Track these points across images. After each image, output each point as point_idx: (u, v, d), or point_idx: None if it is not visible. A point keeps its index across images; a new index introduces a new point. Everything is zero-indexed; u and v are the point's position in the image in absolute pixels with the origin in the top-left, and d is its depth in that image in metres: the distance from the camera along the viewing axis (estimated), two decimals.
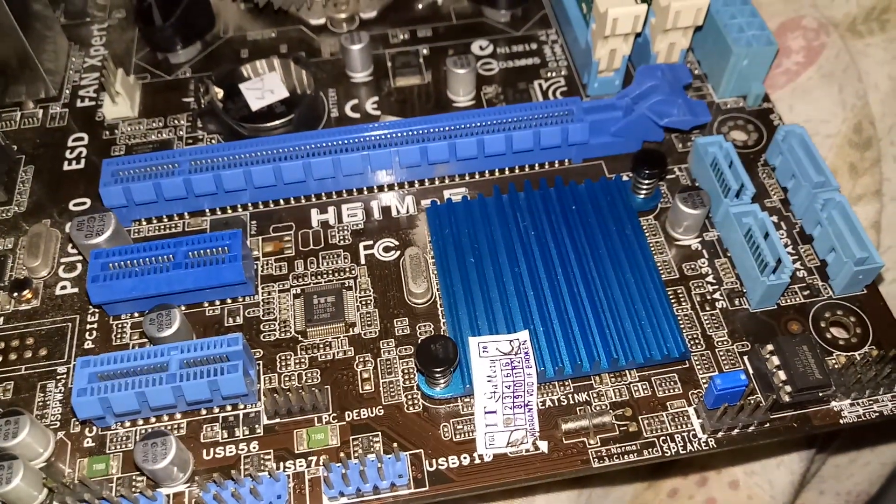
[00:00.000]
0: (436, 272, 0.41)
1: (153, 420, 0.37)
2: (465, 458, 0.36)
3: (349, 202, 0.45)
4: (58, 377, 0.38)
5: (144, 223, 0.44)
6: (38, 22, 0.50)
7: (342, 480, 0.34)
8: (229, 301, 0.41)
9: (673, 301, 0.40)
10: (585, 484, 0.44)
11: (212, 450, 0.36)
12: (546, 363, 0.37)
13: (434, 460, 0.36)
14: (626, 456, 0.36)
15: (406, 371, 0.38)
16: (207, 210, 0.44)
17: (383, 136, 0.43)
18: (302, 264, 0.42)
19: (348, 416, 0.37)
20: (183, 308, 0.40)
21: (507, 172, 0.46)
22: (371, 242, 0.43)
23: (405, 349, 0.39)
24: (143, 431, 0.37)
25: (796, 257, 0.42)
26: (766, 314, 0.40)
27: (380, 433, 0.36)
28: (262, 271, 0.42)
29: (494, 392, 0.36)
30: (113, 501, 0.33)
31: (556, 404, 0.37)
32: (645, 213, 0.44)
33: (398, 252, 0.43)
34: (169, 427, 0.37)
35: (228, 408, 0.37)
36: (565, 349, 0.37)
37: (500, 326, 0.38)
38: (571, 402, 0.37)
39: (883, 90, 0.53)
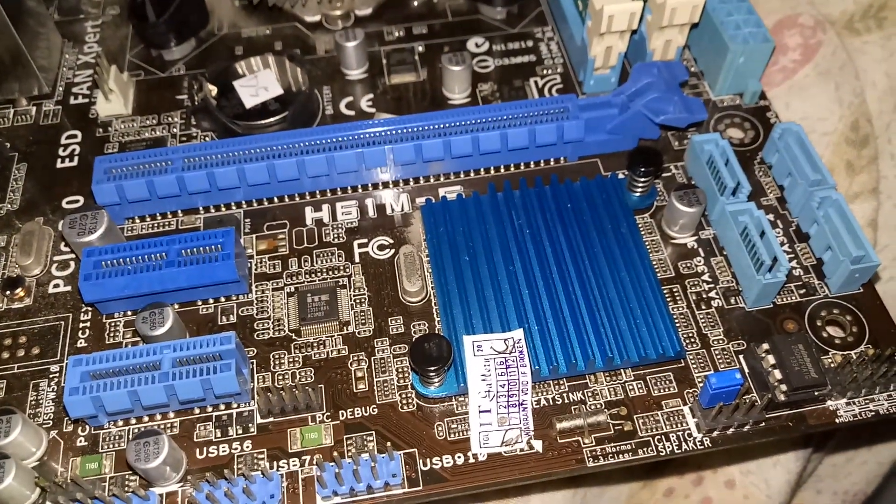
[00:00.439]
0: (430, 270, 0.41)
1: (146, 419, 0.37)
2: (459, 457, 0.36)
3: (343, 200, 0.44)
4: (50, 376, 0.38)
5: (138, 221, 0.44)
6: (32, 18, 0.50)
7: (336, 480, 0.34)
8: (223, 299, 0.40)
9: (668, 299, 0.40)
10: (581, 483, 0.44)
11: (205, 449, 0.36)
12: (541, 362, 0.37)
13: (428, 459, 0.35)
14: (620, 455, 0.36)
15: (400, 370, 0.38)
16: (201, 208, 0.44)
17: (378, 134, 0.43)
18: (296, 262, 0.42)
19: (342, 415, 0.37)
20: (176, 306, 0.40)
21: (502, 170, 0.45)
22: (365, 240, 0.43)
23: (399, 348, 0.39)
24: (135, 430, 0.36)
25: (792, 256, 0.42)
26: (762, 313, 0.40)
27: (374, 432, 0.36)
28: (255, 269, 0.42)
29: (489, 391, 0.36)
30: (105, 501, 0.33)
31: (551, 403, 0.37)
32: (641, 211, 0.44)
33: (393, 250, 0.42)
34: (162, 426, 0.37)
35: (222, 407, 0.37)
36: (560, 348, 0.37)
37: (494, 325, 0.38)
38: (566, 401, 0.37)
39: (880, 88, 0.53)
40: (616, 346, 0.37)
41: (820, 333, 0.39)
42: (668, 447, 0.36)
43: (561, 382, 0.38)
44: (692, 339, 0.39)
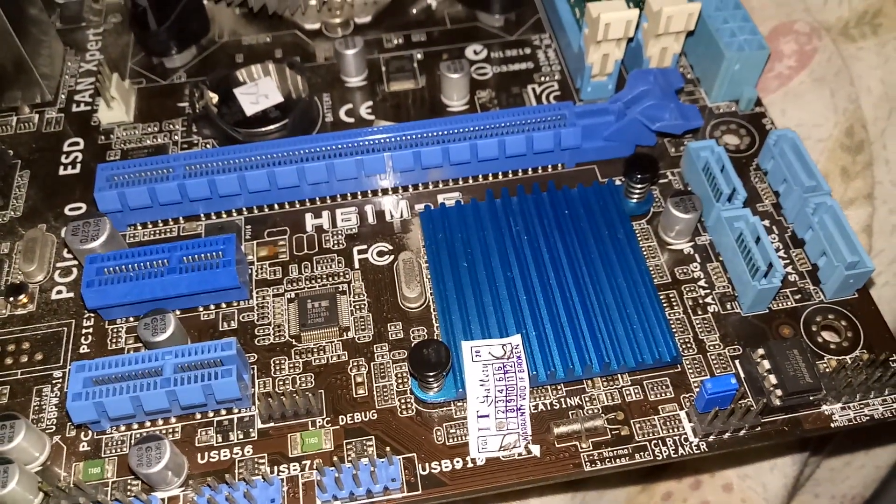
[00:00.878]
0: (429, 276, 0.41)
1: (148, 424, 0.37)
2: (457, 461, 0.36)
3: (343, 207, 0.45)
4: (53, 381, 0.39)
5: (139, 228, 0.44)
6: (34, 27, 0.50)
7: (335, 484, 0.34)
8: (224, 305, 0.41)
9: (665, 305, 0.41)
10: (579, 487, 0.44)
11: (206, 454, 0.36)
12: (538, 367, 0.37)
13: (427, 464, 0.36)
14: (617, 459, 0.36)
15: (399, 375, 0.38)
16: (202, 215, 0.44)
17: (377, 141, 0.44)
18: (296, 269, 0.42)
19: (342, 420, 0.37)
20: (177, 312, 0.40)
21: (500, 177, 0.46)
22: (365, 247, 0.43)
23: (398, 353, 0.39)
24: (137, 435, 0.37)
25: (788, 261, 0.42)
26: (758, 318, 0.40)
27: (373, 437, 0.37)
28: (256, 276, 0.42)
29: (487, 396, 0.36)
30: None
31: (549, 408, 0.37)
32: (637, 217, 0.44)
33: (392, 256, 0.43)
34: (164, 431, 0.37)
35: (223, 412, 0.37)
36: (557, 353, 0.38)
37: (492, 331, 0.38)
38: (563, 405, 0.37)
39: (875, 94, 0.53)
40: (613, 351, 0.38)
41: (815, 338, 0.39)
42: (665, 451, 0.36)
43: (558, 387, 0.38)
44: (688, 345, 0.39)
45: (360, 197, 0.45)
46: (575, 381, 0.38)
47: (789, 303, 0.41)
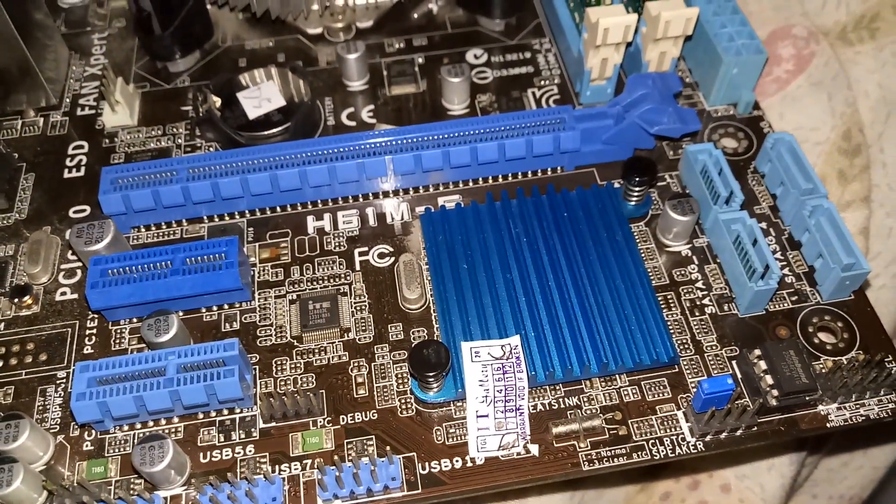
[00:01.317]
0: (429, 278, 0.42)
1: (151, 424, 0.37)
2: (457, 461, 0.36)
3: (345, 209, 0.45)
4: (57, 382, 0.39)
5: (143, 230, 0.45)
6: (39, 31, 0.50)
7: (336, 483, 0.35)
8: (226, 307, 0.41)
9: (663, 306, 0.41)
10: (578, 486, 0.44)
11: (208, 453, 0.37)
12: (537, 368, 0.38)
13: (427, 463, 0.36)
14: (615, 459, 0.36)
15: (400, 375, 0.39)
16: (205, 217, 0.45)
17: (378, 144, 0.44)
18: (298, 270, 0.43)
19: (343, 420, 0.37)
20: (180, 314, 0.41)
21: (500, 180, 0.46)
22: (366, 249, 0.44)
23: (399, 354, 0.39)
24: (140, 435, 0.37)
25: (784, 263, 0.42)
26: (755, 319, 0.41)
27: (373, 437, 0.37)
28: (258, 277, 0.42)
29: (486, 396, 0.37)
30: None
31: (547, 408, 0.38)
32: (636, 219, 0.44)
33: (392, 258, 0.43)
34: (166, 431, 0.37)
35: (225, 412, 0.38)
36: (556, 354, 0.38)
37: (492, 332, 0.39)
38: (562, 405, 0.38)
39: (873, 97, 0.54)
40: (611, 351, 0.38)
41: (811, 339, 0.40)
42: (662, 451, 0.36)
43: (557, 388, 0.38)
44: (686, 345, 0.40)
45: (361, 199, 0.46)
46: (573, 381, 0.38)
47: (786, 304, 0.41)
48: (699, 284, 0.42)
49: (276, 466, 0.36)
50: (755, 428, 0.37)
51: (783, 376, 0.37)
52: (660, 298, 0.41)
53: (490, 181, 0.46)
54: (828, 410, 0.38)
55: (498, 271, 0.41)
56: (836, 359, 0.39)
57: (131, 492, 0.36)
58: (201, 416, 0.38)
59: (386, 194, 0.46)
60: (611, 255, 0.41)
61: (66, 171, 0.48)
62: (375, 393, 0.38)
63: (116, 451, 0.37)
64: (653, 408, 0.38)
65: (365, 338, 0.40)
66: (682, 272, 0.42)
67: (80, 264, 0.43)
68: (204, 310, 0.41)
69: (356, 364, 0.39)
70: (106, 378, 0.36)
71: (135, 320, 0.41)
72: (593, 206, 0.43)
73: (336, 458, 0.35)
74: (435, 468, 0.36)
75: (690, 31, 0.47)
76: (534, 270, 0.41)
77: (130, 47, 0.55)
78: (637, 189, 0.43)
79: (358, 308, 0.41)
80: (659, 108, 0.45)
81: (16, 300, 0.41)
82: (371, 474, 0.35)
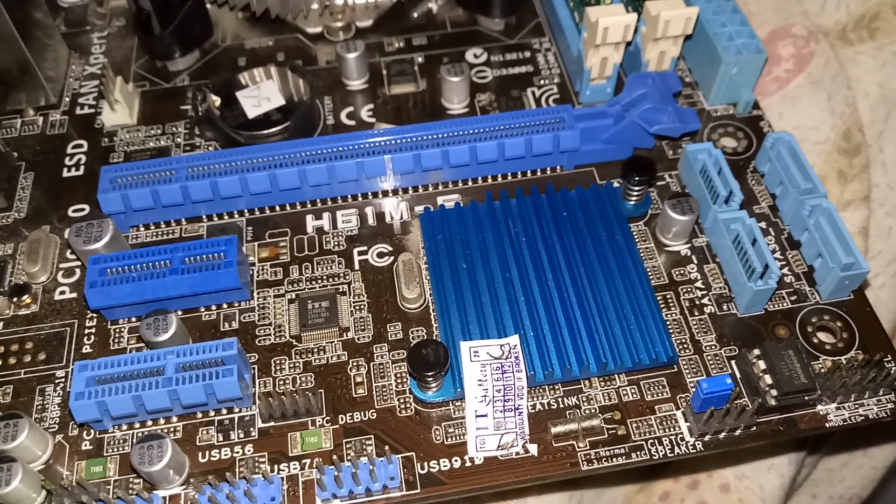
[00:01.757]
0: (428, 277, 0.42)
1: (150, 423, 0.37)
2: (456, 460, 0.36)
3: (344, 208, 0.45)
4: (56, 381, 0.39)
5: (142, 229, 0.45)
6: (39, 30, 0.50)
7: (335, 483, 0.35)
8: (225, 306, 0.41)
9: (662, 306, 0.41)
10: (577, 486, 0.44)
11: (207, 452, 0.37)
12: (536, 367, 0.38)
13: (425, 463, 0.36)
14: (614, 459, 0.36)
15: (398, 375, 0.39)
16: (204, 216, 0.45)
17: (378, 144, 0.44)
18: (297, 270, 0.43)
19: (341, 420, 0.37)
20: (179, 313, 0.41)
21: (499, 179, 0.46)
22: (365, 248, 0.44)
23: (398, 353, 0.39)
24: (139, 434, 0.37)
25: (784, 263, 0.42)
26: (754, 319, 0.41)
27: (372, 436, 0.37)
28: (257, 277, 0.42)
29: (485, 396, 0.37)
30: (110, 503, 0.34)
31: (546, 408, 0.38)
32: (635, 219, 0.44)
33: (392, 258, 0.43)
34: (165, 430, 0.37)
35: (224, 411, 0.38)
36: (555, 353, 0.38)
37: (491, 331, 0.39)
38: (561, 405, 0.38)
39: (872, 97, 0.54)
40: (610, 351, 0.38)
41: (811, 339, 0.40)
42: (661, 451, 0.36)
43: (556, 387, 0.38)
44: (685, 345, 0.40)
45: (360, 199, 0.46)
46: (572, 381, 0.38)
47: (785, 304, 0.41)
48: (698, 284, 0.42)
49: (275, 466, 0.36)
50: (754, 428, 0.37)
51: (782, 376, 0.37)
52: (659, 298, 0.41)
53: (489, 180, 0.46)
54: (827, 410, 0.38)
55: (497, 271, 0.41)
56: (835, 359, 0.39)
57: (130, 491, 0.36)
58: (200, 415, 0.38)
59: (385, 193, 0.46)
60: (610, 254, 0.41)
61: (66, 170, 0.48)
62: (374, 392, 0.38)
63: (115, 450, 0.37)
64: (652, 407, 0.38)
65: (364, 337, 0.40)
66: (682, 272, 0.42)
67: (79, 263, 0.43)
68: (203, 309, 0.41)
69: (355, 363, 0.39)
70: (105, 377, 0.36)
71: (134, 319, 0.41)
72: (592, 206, 0.43)
73: (335, 457, 0.35)
74: (434, 468, 0.36)
75: (690, 31, 0.47)
76: (533, 270, 0.41)
77: (130, 46, 0.55)
78: (636, 188, 0.43)
79: (357, 307, 0.41)
80: (658, 107, 0.45)
81: (15, 299, 0.41)
82: (370, 474, 0.35)
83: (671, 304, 0.41)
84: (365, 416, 0.37)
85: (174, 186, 0.42)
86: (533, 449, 0.36)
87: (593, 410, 0.38)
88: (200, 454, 0.37)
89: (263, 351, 0.40)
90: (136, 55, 0.54)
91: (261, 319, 0.41)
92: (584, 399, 0.38)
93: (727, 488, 0.47)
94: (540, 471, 0.36)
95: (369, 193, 0.46)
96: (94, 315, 0.41)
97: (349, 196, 0.45)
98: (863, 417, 0.37)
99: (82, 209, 0.46)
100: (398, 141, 0.44)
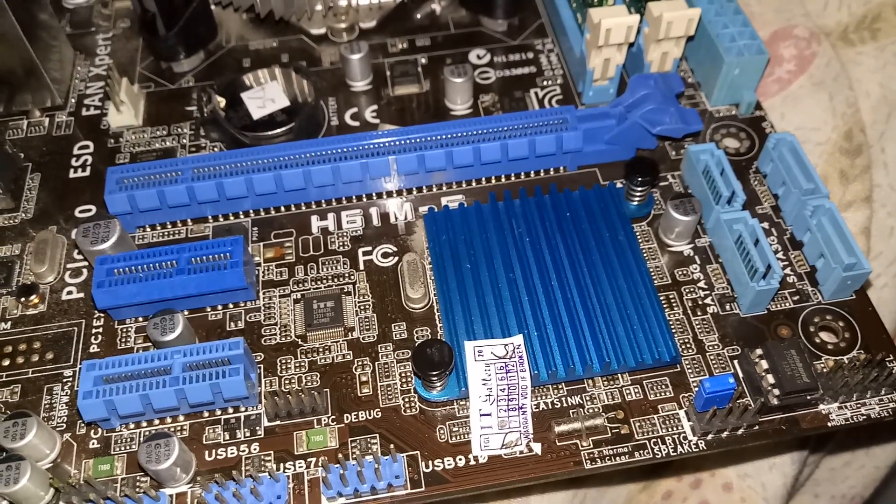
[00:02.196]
0: (433, 278, 0.42)
1: (157, 422, 0.38)
2: (460, 459, 0.37)
3: (348, 209, 0.46)
4: (64, 380, 0.39)
5: (148, 229, 0.45)
6: (44, 32, 0.51)
7: (340, 481, 0.35)
8: (231, 306, 0.42)
9: (665, 306, 0.41)
10: (580, 485, 0.45)
11: (214, 451, 0.37)
12: (540, 367, 0.38)
13: (430, 461, 0.36)
14: (617, 458, 0.36)
15: (403, 374, 0.39)
16: (210, 217, 0.45)
17: (382, 145, 0.44)
18: (302, 270, 0.43)
19: (347, 419, 0.38)
20: (186, 313, 0.41)
21: (503, 180, 0.47)
22: (370, 248, 0.44)
23: (402, 353, 0.40)
24: (146, 433, 0.37)
25: (786, 263, 0.43)
26: (757, 319, 0.41)
27: (377, 435, 0.37)
28: (263, 277, 0.43)
29: (489, 395, 0.37)
30: (117, 501, 0.34)
31: (550, 407, 0.38)
32: (638, 219, 0.45)
33: (396, 258, 0.43)
34: (172, 429, 0.38)
35: (230, 410, 0.38)
36: (559, 353, 0.38)
37: (495, 331, 0.39)
38: (564, 404, 0.38)
39: (874, 97, 0.54)
40: (613, 351, 0.38)
41: (813, 339, 0.40)
42: (664, 450, 0.37)
43: (559, 387, 0.39)
44: (688, 345, 0.40)
45: (364, 199, 0.46)
46: (576, 380, 0.39)
47: (788, 304, 0.41)
48: (701, 284, 0.42)
49: (281, 464, 0.36)
50: (757, 427, 0.37)
51: (784, 376, 0.37)
52: (662, 298, 0.41)
53: (493, 181, 0.46)
54: (829, 410, 0.38)
55: (501, 271, 0.41)
56: (837, 358, 0.39)
57: (137, 489, 0.36)
58: (207, 414, 0.38)
59: (389, 194, 0.46)
60: (613, 254, 0.42)
61: (72, 171, 0.48)
62: (379, 392, 0.38)
63: (122, 449, 0.37)
64: (655, 407, 0.38)
65: (369, 337, 0.40)
66: (684, 272, 0.43)
67: (85, 264, 0.43)
68: (209, 309, 0.41)
69: (360, 363, 0.39)
70: (112, 377, 0.36)
71: (140, 319, 0.41)
72: (595, 206, 0.44)
73: (340, 456, 0.35)
74: (438, 466, 0.36)
75: (692, 32, 0.47)
76: (536, 270, 0.41)
77: (135, 48, 0.55)
78: (639, 189, 0.44)
79: (362, 307, 0.41)
80: (661, 108, 0.45)
81: (22, 299, 0.42)
82: (375, 472, 0.35)
83: (674, 304, 0.41)
84: (370, 415, 0.38)
85: (180, 187, 0.43)
86: (537, 448, 0.37)
87: (596, 410, 0.38)
88: (207, 453, 0.37)
89: (269, 350, 0.40)
90: (142, 56, 0.54)
91: (266, 319, 0.41)
92: (588, 398, 0.38)
93: (730, 487, 0.47)
94: (543, 469, 0.36)
95: (374, 194, 0.46)
96: (102, 315, 0.42)
97: (354, 197, 0.46)
98: (865, 417, 0.38)
99: (89, 210, 0.46)
100: (402, 142, 0.44)
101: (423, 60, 0.53)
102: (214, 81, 0.50)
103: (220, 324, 0.41)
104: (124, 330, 0.41)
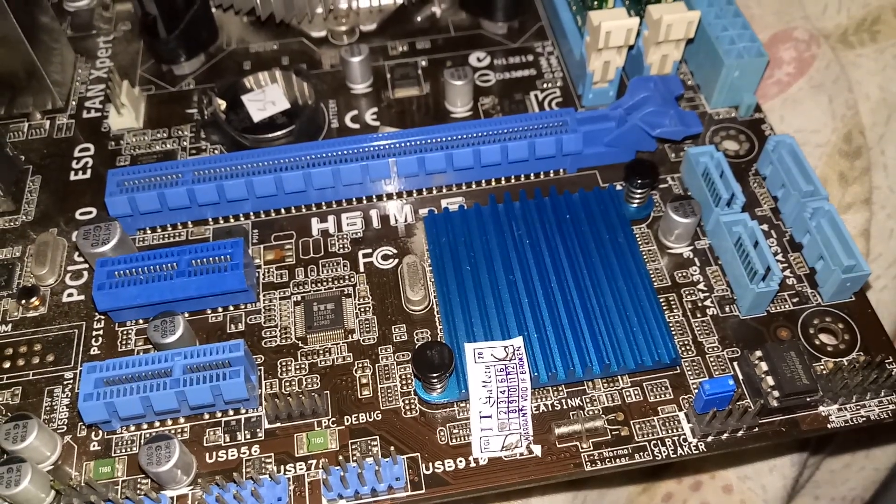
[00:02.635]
0: (433, 280, 0.42)
1: (157, 424, 0.38)
2: (460, 461, 0.37)
3: (349, 211, 0.46)
4: (64, 382, 0.39)
5: (149, 232, 0.45)
6: (46, 34, 0.51)
7: (341, 483, 0.35)
8: (231, 308, 0.42)
9: (664, 308, 0.41)
10: (580, 487, 0.45)
11: (214, 453, 0.37)
12: (540, 369, 0.38)
13: (430, 463, 0.36)
14: (617, 460, 0.37)
15: (403, 376, 0.39)
16: (210, 219, 0.45)
17: (382, 147, 0.44)
18: (302, 272, 0.43)
19: (347, 421, 0.38)
20: (186, 315, 0.41)
21: (502, 182, 0.47)
22: (370, 251, 0.44)
23: (403, 355, 0.40)
24: (147, 435, 0.37)
25: (786, 265, 0.43)
26: (756, 321, 0.41)
27: (378, 437, 0.37)
28: (263, 279, 0.43)
29: (489, 397, 0.37)
30: (118, 503, 0.34)
31: (550, 409, 0.38)
32: (637, 221, 0.45)
33: (396, 260, 0.43)
34: (173, 431, 0.38)
35: (230, 412, 0.38)
36: (559, 355, 0.38)
37: (495, 333, 0.39)
38: (564, 406, 0.38)
39: (873, 100, 0.54)
40: (613, 353, 0.38)
41: (812, 341, 0.40)
42: (664, 452, 0.37)
43: (559, 389, 0.39)
44: (687, 347, 0.40)
45: (365, 202, 0.46)
46: (576, 382, 0.39)
47: (787, 306, 0.41)
48: (701, 286, 0.42)
49: (282, 466, 0.37)
50: (756, 429, 0.37)
51: (784, 377, 0.37)
52: (661, 300, 0.42)
53: (493, 183, 0.47)
54: (828, 411, 0.38)
55: (501, 273, 0.41)
56: (836, 360, 0.39)
57: (138, 491, 0.36)
58: (207, 416, 0.38)
59: (389, 196, 0.46)
60: (613, 256, 0.42)
61: (73, 173, 0.48)
62: (379, 394, 0.39)
63: (123, 451, 0.37)
64: (655, 409, 0.38)
65: (369, 339, 0.40)
66: (684, 274, 0.43)
67: (86, 266, 0.44)
68: (209, 311, 0.42)
69: (360, 365, 0.40)
70: (113, 379, 0.36)
71: (141, 321, 0.41)
72: (595, 209, 0.44)
73: (340, 458, 0.35)
74: (438, 468, 0.36)
75: (692, 35, 0.47)
76: (536, 272, 0.41)
77: (136, 50, 0.55)
78: (639, 191, 0.44)
79: (362, 309, 0.41)
80: (660, 110, 0.45)
81: (23, 301, 0.42)
82: (375, 474, 0.35)
83: (674, 306, 0.41)
84: (370, 417, 0.38)
85: (181, 189, 0.43)
86: (537, 450, 0.37)
87: (596, 411, 0.38)
88: (207, 455, 0.37)
89: (269, 352, 0.40)
90: (142, 59, 0.54)
91: (267, 321, 0.41)
92: (588, 400, 0.38)
93: (730, 489, 0.47)
94: (544, 471, 0.36)
95: (374, 196, 0.46)
96: (102, 317, 0.42)
97: (354, 199, 0.46)
98: (864, 419, 0.38)
99: (89, 212, 0.46)
100: (402, 144, 0.45)
101: (424, 63, 0.54)
102: (215, 84, 0.50)
103: (221, 326, 0.41)
104: (125, 332, 0.41)
